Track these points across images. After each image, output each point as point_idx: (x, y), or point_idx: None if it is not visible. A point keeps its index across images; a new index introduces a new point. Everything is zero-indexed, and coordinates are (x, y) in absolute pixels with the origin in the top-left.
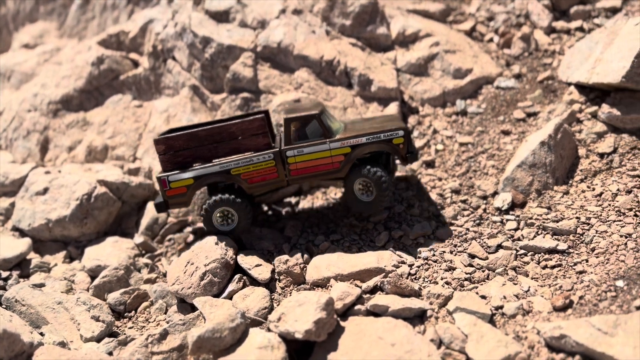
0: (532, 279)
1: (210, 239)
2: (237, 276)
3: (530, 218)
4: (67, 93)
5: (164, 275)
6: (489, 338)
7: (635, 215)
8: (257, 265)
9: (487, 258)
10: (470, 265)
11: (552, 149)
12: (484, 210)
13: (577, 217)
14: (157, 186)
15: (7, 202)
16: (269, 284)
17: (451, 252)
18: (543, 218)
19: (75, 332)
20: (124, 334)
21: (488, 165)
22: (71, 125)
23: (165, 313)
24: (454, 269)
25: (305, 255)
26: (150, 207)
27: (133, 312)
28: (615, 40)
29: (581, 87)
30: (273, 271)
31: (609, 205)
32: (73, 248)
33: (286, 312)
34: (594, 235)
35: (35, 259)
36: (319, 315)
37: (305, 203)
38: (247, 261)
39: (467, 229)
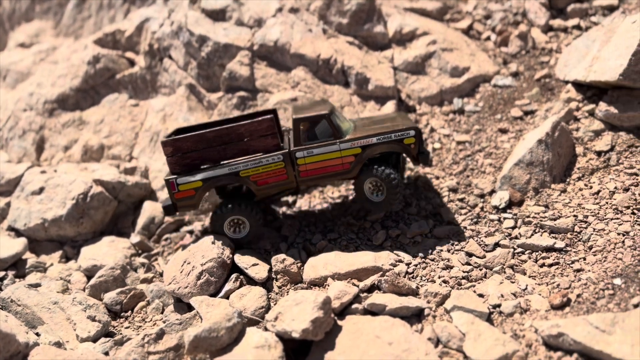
0: (529, 277)
1: (207, 239)
2: (233, 275)
3: (528, 216)
4: (63, 92)
5: (161, 274)
6: (486, 336)
7: (633, 213)
8: (254, 265)
9: (484, 256)
10: (468, 263)
11: (549, 147)
12: (482, 208)
13: (574, 215)
14: (153, 185)
15: (3, 201)
16: (266, 283)
17: (448, 251)
18: (540, 216)
19: (71, 332)
20: (120, 333)
21: (485, 164)
22: (67, 124)
23: (162, 313)
24: (452, 267)
25: (303, 254)
26: (146, 206)
27: (129, 311)
28: (613, 38)
29: (578, 85)
30: (270, 270)
31: (607, 203)
32: (69, 248)
33: (283, 312)
34: (592, 234)
35: (31, 258)
36: (316, 315)
37: (302, 202)
38: (244, 260)
39: (465, 228)
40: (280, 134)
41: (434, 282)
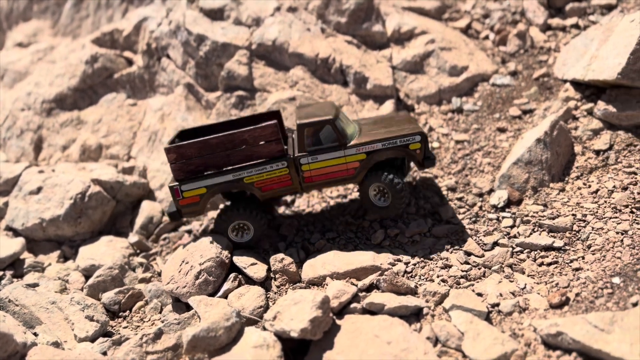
0: (528, 276)
1: (205, 238)
2: (232, 275)
3: (526, 215)
4: (61, 92)
5: (159, 274)
6: (485, 336)
7: (631, 212)
8: (252, 264)
9: (483, 255)
10: (467, 262)
11: (548, 146)
12: (480, 207)
13: (573, 214)
14: (151, 185)
15: (1, 201)
16: (265, 283)
17: (447, 250)
18: (539, 215)
19: (69, 332)
20: (119, 333)
21: (484, 163)
22: (65, 124)
23: (160, 312)
24: (450, 266)
25: (301, 254)
26: (144, 206)
27: (127, 311)
28: (611, 37)
29: (577, 84)
30: (268, 270)
31: (605, 202)
32: (67, 247)
33: (282, 311)
34: (590, 232)
35: (29, 258)
36: (315, 314)
37: (301, 201)
38: (242, 260)
39: (463, 227)
40: (284, 135)
41: (433, 281)
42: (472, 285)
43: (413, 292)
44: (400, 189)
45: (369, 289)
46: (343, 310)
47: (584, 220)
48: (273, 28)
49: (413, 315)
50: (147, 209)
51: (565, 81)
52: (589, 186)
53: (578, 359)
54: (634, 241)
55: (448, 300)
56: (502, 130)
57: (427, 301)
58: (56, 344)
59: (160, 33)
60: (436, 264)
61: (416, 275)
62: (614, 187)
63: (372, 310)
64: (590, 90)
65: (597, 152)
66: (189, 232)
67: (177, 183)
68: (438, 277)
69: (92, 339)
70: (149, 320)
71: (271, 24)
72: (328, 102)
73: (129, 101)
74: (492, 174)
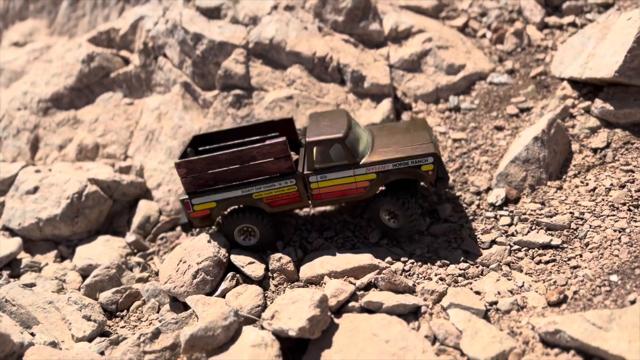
0: (526, 274)
1: (203, 237)
2: (230, 274)
3: (524, 213)
4: (58, 91)
5: (156, 273)
6: (483, 334)
7: (629, 210)
8: (250, 263)
9: (481, 254)
10: (464, 261)
11: (545, 144)
12: (478, 206)
13: (570, 212)
14: (148, 184)
15: None
16: (262, 282)
17: (445, 248)
18: (537, 213)
19: (67, 332)
20: (116, 333)
21: (481, 161)
22: (62, 123)
23: (158, 312)
24: (448, 265)
25: (299, 253)
26: (141, 205)
27: (125, 311)
28: (608, 35)
29: (574, 83)
30: (266, 269)
31: (603, 200)
32: (64, 247)
33: (280, 310)
34: (588, 230)
35: (25, 258)
36: (313, 313)
37: None
38: (240, 259)
39: (461, 225)
40: (295, 139)
41: (431, 279)
42: (470, 283)
43: (411, 290)
44: (410, 213)
45: (367, 287)
46: (341, 309)
47: (582, 218)
48: (270, 27)
49: (411, 314)
50: (144, 209)
51: (562, 79)
52: (587, 184)
53: (576, 357)
54: (631, 239)
55: (446, 299)
56: (499, 128)
57: (425, 300)
58: (53, 344)
59: (156, 32)
60: (434, 262)
61: (414, 273)
62: (612, 185)
63: (370, 309)
64: (587, 88)
65: (595, 150)
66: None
67: (187, 196)
68: (436, 275)
69: (90, 339)
70: (147, 319)
71: (268, 22)
72: (341, 112)
73: (125, 100)
74: (489, 173)
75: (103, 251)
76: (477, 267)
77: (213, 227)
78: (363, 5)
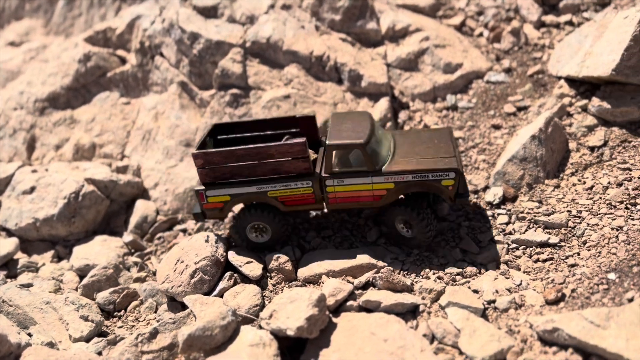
0: (524, 272)
1: (200, 237)
2: (227, 274)
3: (522, 212)
4: (54, 91)
5: (154, 273)
6: (481, 332)
7: (626, 208)
8: (248, 263)
9: (479, 252)
10: (462, 259)
11: (542, 142)
12: (476, 204)
13: (568, 211)
14: (145, 184)
15: None
16: (260, 281)
17: (443, 247)
18: (534, 212)
19: (64, 332)
20: (114, 333)
21: (479, 160)
22: (58, 123)
23: (155, 312)
24: (446, 263)
25: (297, 252)
26: (138, 205)
27: (122, 311)
28: (605, 34)
29: (571, 81)
30: (264, 268)
31: (600, 198)
32: (61, 247)
33: (278, 309)
34: (586, 229)
35: (22, 258)
36: (311, 312)
37: None
38: (238, 258)
39: (459, 224)
40: (315, 137)
41: (429, 278)
42: (468, 282)
43: (409, 289)
44: (425, 224)
45: (365, 286)
46: (339, 308)
47: (579, 217)
48: (267, 26)
49: (409, 313)
50: (142, 208)
51: (559, 78)
52: (584, 182)
53: (574, 355)
54: (629, 237)
55: (444, 298)
56: (496, 127)
57: (423, 298)
58: (51, 344)
59: (153, 31)
60: (432, 261)
61: (412, 272)
62: (609, 183)
63: (369, 308)
64: (584, 86)
65: (592, 149)
66: (184, 231)
67: (203, 187)
68: (434, 274)
69: (87, 339)
70: (144, 319)
71: (265, 21)
72: (365, 115)
73: (122, 100)
74: (487, 171)
75: (100, 251)
76: (475, 265)
77: (225, 220)
78: (360, 4)
